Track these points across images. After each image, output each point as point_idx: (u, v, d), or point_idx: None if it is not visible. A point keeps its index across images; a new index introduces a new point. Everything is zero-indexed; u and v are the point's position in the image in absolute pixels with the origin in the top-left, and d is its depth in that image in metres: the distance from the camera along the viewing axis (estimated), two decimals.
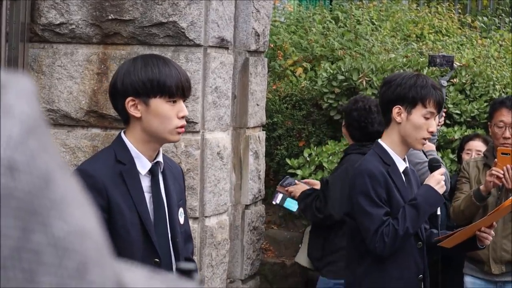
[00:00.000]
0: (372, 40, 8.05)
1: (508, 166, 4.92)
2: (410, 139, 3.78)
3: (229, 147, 5.25)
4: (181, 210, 3.10)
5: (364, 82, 6.83)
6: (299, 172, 6.46)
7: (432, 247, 3.92)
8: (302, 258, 5.60)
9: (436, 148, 5.68)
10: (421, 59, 7.29)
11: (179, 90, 2.94)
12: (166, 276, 0.67)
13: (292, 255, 6.04)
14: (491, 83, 7.08)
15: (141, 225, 2.94)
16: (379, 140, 3.87)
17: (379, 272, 3.79)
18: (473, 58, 7.63)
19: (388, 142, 3.82)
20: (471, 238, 3.93)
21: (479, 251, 4.87)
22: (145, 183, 2.99)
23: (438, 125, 5.71)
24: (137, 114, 2.94)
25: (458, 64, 7.04)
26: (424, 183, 3.88)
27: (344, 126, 5.31)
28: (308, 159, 6.60)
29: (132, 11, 4.80)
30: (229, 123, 5.21)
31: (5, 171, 0.53)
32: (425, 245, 3.88)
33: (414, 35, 9.01)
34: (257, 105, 5.64)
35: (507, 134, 5.14)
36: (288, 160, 6.70)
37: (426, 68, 6.91)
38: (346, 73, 6.92)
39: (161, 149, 3.06)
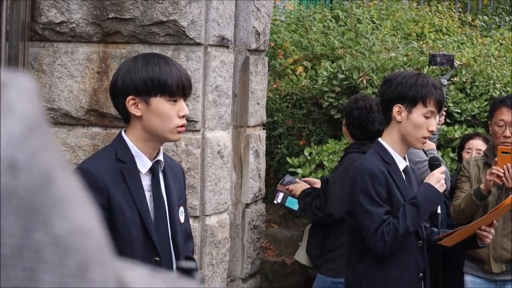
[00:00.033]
0: (373, 39, 8.04)
1: (508, 165, 4.92)
2: (410, 138, 3.78)
3: (230, 146, 5.25)
4: (181, 209, 3.10)
5: (364, 81, 6.83)
6: (299, 171, 6.46)
7: (432, 246, 3.92)
8: (301, 256, 5.60)
9: (436, 147, 5.68)
10: (422, 58, 7.29)
11: (180, 89, 2.94)
12: (167, 275, 0.67)
13: (292, 254, 6.04)
14: (492, 82, 7.08)
15: (141, 223, 2.94)
16: (379, 139, 3.87)
17: (379, 271, 3.79)
18: (474, 57, 7.62)
19: (388, 141, 3.82)
20: (472, 237, 3.93)
21: (479, 250, 4.87)
22: (146, 181, 2.99)
23: (439, 124, 5.71)
24: (138, 113, 2.94)
25: (459, 63, 7.04)
26: (424, 181, 3.88)
27: (345, 125, 5.31)
28: (308, 158, 6.60)
29: (132, 10, 4.80)
30: (229, 122, 5.21)
31: (6, 170, 0.53)
32: (425, 243, 3.89)
33: (415, 34, 9.01)
34: (258, 104, 5.64)
35: (507, 133, 5.14)
36: (288, 159, 6.70)
37: (427, 67, 6.91)
38: (347, 72, 6.92)
39: (161, 148, 3.06)
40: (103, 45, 4.88)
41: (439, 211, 3.95)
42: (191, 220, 4.07)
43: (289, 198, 5.67)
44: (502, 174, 4.91)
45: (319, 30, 8.38)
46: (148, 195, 2.98)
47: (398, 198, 3.77)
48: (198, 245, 4.87)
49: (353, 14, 8.68)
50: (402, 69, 6.78)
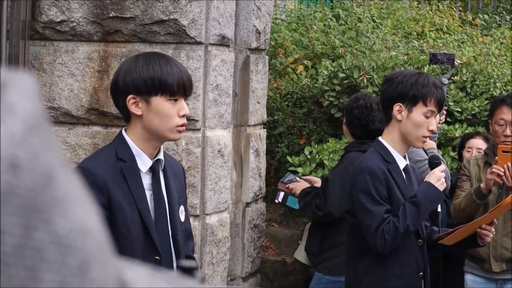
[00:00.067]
0: (373, 38, 8.04)
1: (509, 164, 4.92)
2: (410, 137, 3.78)
3: (230, 144, 5.25)
4: (181, 207, 3.10)
5: (365, 80, 6.83)
6: (299, 170, 6.46)
7: (433, 245, 3.92)
8: (300, 254, 5.61)
9: (437, 146, 5.68)
10: (422, 57, 7.29)
11: (180, 89, 2.94)
12: (167, 274, 0.67)
13: (292, 253, 6.05)
14: (492, 80, 7.08)
15: (141, 222, 2.94)
16: (380, 138, 3.87)
17: (379, 269, 3.80)
18: (474, 56, 7.62)
19: (388, 140, 3.83)
20: (472, 236, 3.93)
21: (480, 249, 4.87)
22: (146, 180, 2.99)
23: (439, 123, 5.71)
24: (138, 112, 2.94)
25: (459, 61, 7.04)
26: (424, 180, 3.89)
27: (345, 123, 5.31)
28: (309, 156, 6.60)
29: (133, 9, 4.80)
30: (230, 120, 5.21)
31: (8, 169, 0.53)
32: (425, 242, 3.89)
33: (415, 33, 9.01)
34: (258, 102, 5.64)
35: (508, 132, 5.14)
36: (288, 158, 6.70)
37: (427, 65, 6.91)
38: (347, 71, 6.92)
39: (162, 147, 3.07)
40: (104, 44, 4.88)
41: (439, 209, 3.95)
42: (191, 219, 4.07)
43: (290, 197, 5.67)
44: (502, 173, 4.91)
45: (320, 29, 8.38)
46: (148, 194, 2.98)
47: (398, 197, 3.77)
48: (199, 244, 4.87)
49: (354, 13, 8.68)
50: (402, 68, 6.78)
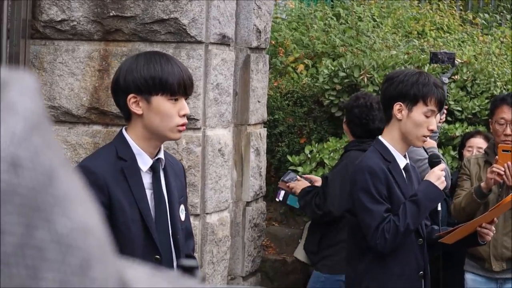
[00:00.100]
0: (374, 37, 8.04)
1: (509, 163, 4.92)
2: (410, 136, 3.78)
3: (230, 144, 5.25)
4: (182, 207, 3.10)
5: (365, 79, 6.83)
6: (300, 169, 6.46)
7: (433, 244, 3.92)
8: (300, 253, 5.61)
9: (437, 145, 5.68)
10: (423, 56, 7.28)
11: (181, 88, 2.94)
12: (168, 273, 0.67)
13: (293, 252, 6.05)
14: (492, 80, 7.08)
15: (142, 221, 2.94)
16: (380, 137, 3.87)
17: (380, 268, 3.80)
18: (474, 55, 7.62)
19: (388, 139, 3.83)
20: (472, 234, 3.93)
21: (480, 248, 4.87)
22: (146, 179, 2.99)
23: (439, 122, 5.71)
24: (139, 111, 2.94)
25: (460, 61, 7.04)
26: (424, 179, 3.89)
27: (345, 122, 5.32)
28: (309, 156, 6.60)
29: (133, 8, 4.80)
30: (230, 120, 5.21)
31: (9, 168, 0.53)
32: (425, 241, 3.89)
33: (416, 32, 9.00)
34: (258, 102, 5.64)
35: (508, 131, 5.14)
36: (289, 157, 6.70)
37: (428, 65, 6.91)
38: (348, 70, 6.92)
39: (162, 146, 3.07)
40: (104, 43, 4.88)
41: (439, 208, 3.95)
42: (191, 218, 4.07)
43: (290, 196, 5.67)
44: (502, 172, 4.91)
45: (320, 28, 8.38)
46: (148, 193, 2.98)
47: (398, 196, 3.77)
48: (199, 243, 4.87)
49: (354, 12, 8.68)
50: (403, 67, 6.78)
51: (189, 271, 2.21)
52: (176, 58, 3.32)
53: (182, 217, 3.09)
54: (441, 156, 4.86)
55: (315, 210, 5.22)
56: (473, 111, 6.84)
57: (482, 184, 4.97)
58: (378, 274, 3.80)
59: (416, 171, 4.03)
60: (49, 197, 0.54)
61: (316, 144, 6.70)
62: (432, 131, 3.82)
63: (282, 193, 5.71)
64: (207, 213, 4.93)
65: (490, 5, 11.66)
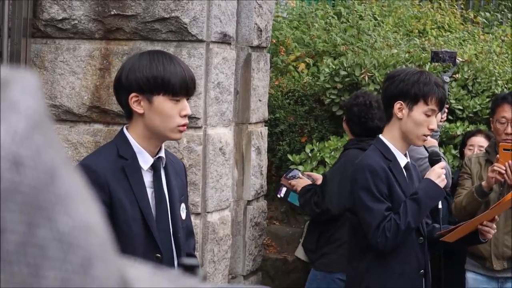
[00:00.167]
0: (375, 36, 8.04)
1: (510, 162, 4.92)
2: (410, 135, 3.78)
3: (231, 142, 5.25)
4: (183, 205, 3.10)
5: (366, 78, 6.83)
6: (300, 167, 6.46)
7: (434, 242, 3.92)
8: (301, 252, 5.61)
9: (438, 143, 5.68)
10: (424, 55, 7.28)
11: (183, 89, 2.94)
12: (169, 272, 0.67)
13: (294, 251, 6.05)
14: (493, 78, 7.08)
15: (142, 220, 2.94)
16: (380, 136, 3.87)
17: (381, 267, 3.80)
18: (475, 54, 7.62)
19: (389, 138, 3.83)
20: (473, 232, 3.94)
21: (481, 247, 4.87)
22: (147, 178, 2.99)
23: (441, 121, 5.71)
24: (140, 111, 2.94)
25: (461, 59, 7.03)
26: (424, 177, 3.89)
27: (345, 121, 5.33)
28: (310, 154, 6.60)
29: (134, 7, 4.80)
30: (231, 118, 5.21)
31: (11, 166, 0.53)
32: (426, 240, 3.89)
33: (417, 31, 9.00)
34: (259, 100, 5.64)
35: (509, 130, 5.13)
36: (290, 156, 6.70)
37: (429, 63, 6.91)
38: (349, 69, 6.91)
39: (163, 145, 3.07)
40: (105, 42, 4.88)
41: (440, 206, 3.95)
42: (192, 217, 4.07)
43: (292, 193, 5.67)
44: (503, 171, 4.91)
45: (321, 27, 8.37)
46: (149, 191, 2.98)
47: (399, 195, 3.77)
48: (200, 242, 4.88)
49: (355, 10, 8.67)
50: (404, 66, 6.78)
51: (190, 270, 2.21)
52: (177, 57, 3.32)
53: (183, 215, 3.09)
54: (441, 154, 4.85)
55: (313, 208, 5.22)
56: (474, 110, 6.84)
57: (483, 183, 4.97)
58: (379, 272, 3.80)
59: (417, 170, 4.03)
60: (51, 196, 0.54)
61: (317, 143, 6.71)
62: (432, 130, 3.82)
63: (284, 189, 5.71)
64: (208, 212, 4.93)
65: (491, 3, 11.65)
